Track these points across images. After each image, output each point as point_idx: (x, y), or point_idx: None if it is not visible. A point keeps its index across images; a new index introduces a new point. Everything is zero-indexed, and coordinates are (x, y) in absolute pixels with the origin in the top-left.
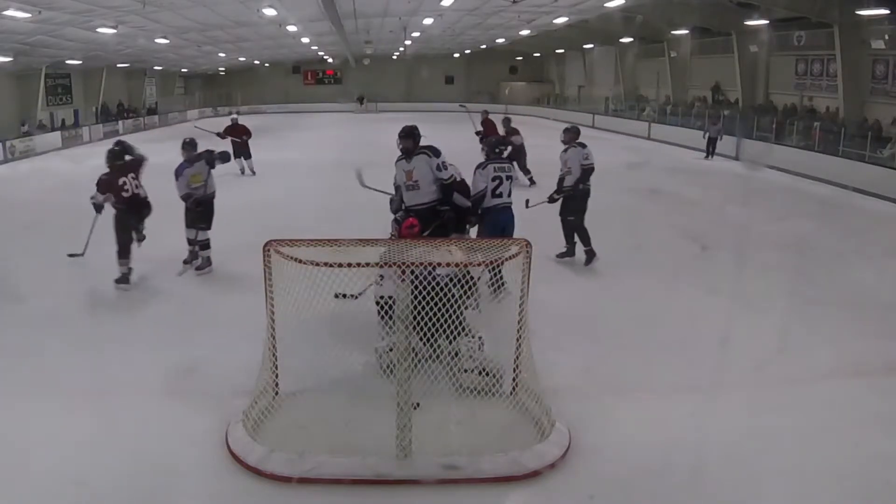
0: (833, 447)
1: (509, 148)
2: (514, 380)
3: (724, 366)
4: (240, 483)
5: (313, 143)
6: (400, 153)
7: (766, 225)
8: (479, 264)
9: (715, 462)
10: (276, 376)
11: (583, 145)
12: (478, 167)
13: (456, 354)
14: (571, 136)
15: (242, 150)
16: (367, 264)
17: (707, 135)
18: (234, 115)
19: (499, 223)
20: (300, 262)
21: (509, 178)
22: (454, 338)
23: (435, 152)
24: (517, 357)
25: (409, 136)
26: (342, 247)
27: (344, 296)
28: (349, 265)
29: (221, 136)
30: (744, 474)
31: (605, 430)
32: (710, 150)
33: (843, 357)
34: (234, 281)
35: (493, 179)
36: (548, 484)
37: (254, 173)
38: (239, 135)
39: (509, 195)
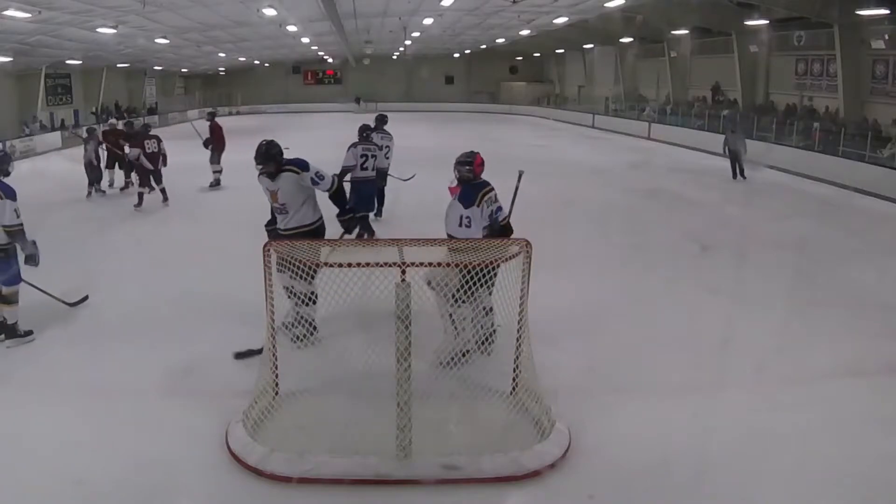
0: (833, 447)
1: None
2: (514, 380)
3: (725, 366)
4: (240, 483)
5: (312, 143)
6: (260, 170)
7: (766, 225)
8: (478, 264)
9: (715, 462)
10: (276, 376)
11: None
12: (350, 146)
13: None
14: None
15: (117, 159)
16: (367, 264)
17: (727, 147)
18: (112, 120)
19: (364, 191)
20: (300, 262)
21: (374, 156)
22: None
23: (302, 166)
24: (517, 357)
25: (271, 160)
26: (342, 247)
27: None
28: (349, 265)
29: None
30: (744, 474)
31: (605, 430)
32: (737, 167)
33: (843, 357)
34: (234, 280)
35: (361, 157)
36: (548, 484)
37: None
38: (116, 141)
39: (373, 170)
